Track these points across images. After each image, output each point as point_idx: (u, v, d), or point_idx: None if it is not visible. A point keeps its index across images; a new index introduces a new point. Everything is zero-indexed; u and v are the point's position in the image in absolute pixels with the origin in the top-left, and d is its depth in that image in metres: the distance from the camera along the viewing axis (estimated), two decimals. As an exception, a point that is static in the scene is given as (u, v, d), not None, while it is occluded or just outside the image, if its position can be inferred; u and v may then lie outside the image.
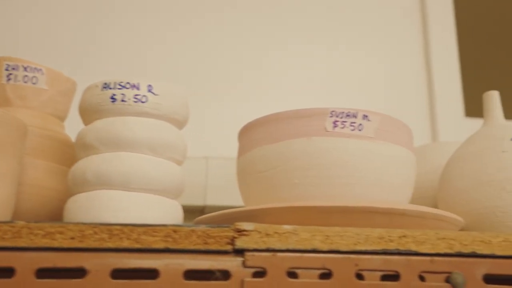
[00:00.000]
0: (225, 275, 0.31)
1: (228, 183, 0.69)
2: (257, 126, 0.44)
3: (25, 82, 0.46)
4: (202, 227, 0.32)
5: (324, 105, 0.44)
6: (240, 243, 0.32)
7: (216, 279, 0.31)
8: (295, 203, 0.36)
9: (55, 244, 0.30)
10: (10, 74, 0.46)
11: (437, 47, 0.92)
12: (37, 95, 0.46)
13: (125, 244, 0.31)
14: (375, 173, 0.41)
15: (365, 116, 0.41)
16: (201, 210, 0.72)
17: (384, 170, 0.41)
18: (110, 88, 0.40)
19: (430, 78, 0.90)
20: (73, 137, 0.45)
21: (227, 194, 0.69)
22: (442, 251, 0.33)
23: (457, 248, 0.33)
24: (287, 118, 0.42)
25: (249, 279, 0.31)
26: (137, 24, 0.84)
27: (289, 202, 0.38)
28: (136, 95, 0.39)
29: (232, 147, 0.52)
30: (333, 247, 0.33)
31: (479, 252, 0.34)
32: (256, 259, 0.32)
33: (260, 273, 0.32)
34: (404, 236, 0.33)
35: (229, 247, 0.32)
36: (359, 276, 0.32)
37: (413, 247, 0.33)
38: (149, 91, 0.40)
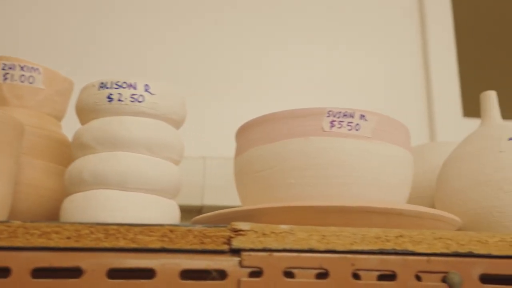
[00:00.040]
0: (221, 275, 0.31)
1: (225, 183, 0.69)
2: (254, 126, 0.44)
3: (22, 81, 0.46)
4: (199, 227, 0.32)
5: (323, 105, 0.44)
6: (236, 243, 0.32)
7: (213, 279, 0.31)
8: (292, 203, 0.36)
9: (51, 243, 0.30)
10: (7, 73, 0.45)
11: (435, 47, 0.92)
12: (34, 95, 0.46)
13: (122, 244, 0.31)
14: (372, 173, 0.41)
15: (362, 116, 0.41)
16: (199, 210, 0.72)
17: (381, 170, 0.41)
18: (107, 88, 0.40)
19: (429, 78, 0.90)
20: (70, 137, 0.45)
21: (224, 194, 0.69)
22: (438, 251, 0.33)
23: (454, 248, 0.34)
24: (284, 118, 0.42)
25: (245, 279, 0.31)
26: (137, 24, 0.84)
27: (286, 202, 0.38)
28: (133, 94, 0.39)
29: (230, 147, 0.52)
30: (330, 247, 0.32)
31: (475, 252, 0.34)
32: (253, 259, 0.32)
33: (256, 273, 0.32)
34: (400, 236, 0.33)
35: (225, 247, 0.32)
36: (356, 276, 0.32)
37: (410, 247, 0.33)
38: (146, 90, 0.40)
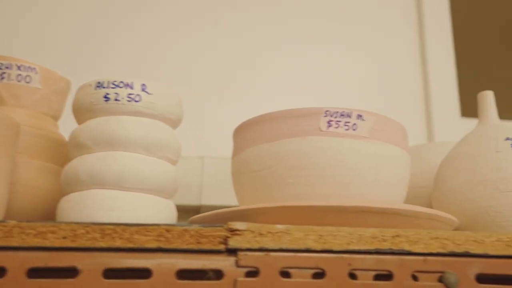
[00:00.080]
0: (217, 274, 0.31)
1: (223, 182, 0.69)
2: (251, 125, 0.44)
3: (19, 81, 0.45)
4: (195, 227, 0.32)
5: (320, 104, 0.44)
6: (233, 243, 0.32)
7: (209, 278, 0.31)
8: (289, 203, 0.36)
9: (47, 243, 0.30)
10: (4, 73, 0.45)
11: (433, 47, 0.92)
12: (30, 94, 0.46)
13: (118, 243, 0.31)
14: (370, 172, 0.41)
15: (359, 116, 0.41)
16: (197, 209, 0.72)
17: (378, 170, 0.41)
18: (104, 87, 0.39)
19: (426, 78, 0.90)
20: (67, 137, 0.45)
21: (222, 194, 0.69)
22: (435, 251, 0.33)
23: (450, 248, 0.34)
24: (282, 117, 0.42)
25: (242, 278, 0.31)
26: (134, 24, 0.84)
27: (283, 201, 0.38)
28: (130, 94, 0.39)
29: (228, 147, 0.52)
30: (326, 246, 0.32)
31: (472, 251, 0.34)
32: (249, 259, 0.32)
33: (253, 273, 0.31)
34: (397, 236, 0.33)
35: (222, 247, 0.32)
36: (352, 276, 0.32)
37: (406, 247, 0.33)
38: (143, 90, 0.40)
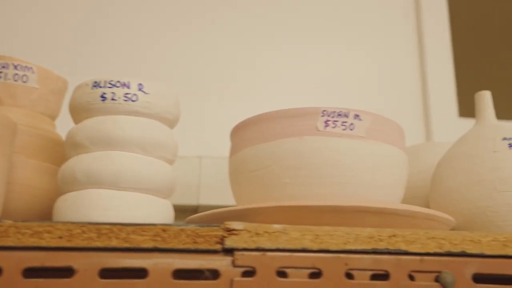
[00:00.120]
0: (214, 274, 0.31)
1: (221, 182, 0.69)
2: (249, 125, 0.44)
3: (16, 80, 0.45)
4: (192, 226, 0.32)
5: (318, 104, 0.44)
6: (229, 243, 0.32)
7: (205, 278, 0.31)
8: (286, 203, 0.36)
9: (43, 243, 0.30)
10: (0, 72, 0.45)
11: (431, 47, 0.92)
12: (27, 94, 0.46)
13: (114, 243, 0.31)
14: (367, 172, 0.41)
15: (356, 116, 0.41)
16: (195, 209, 0.72)
17: (375, 170, 0.41)
18: (100, 87, 0.39)
19: (425, 78, 0.90)
20: (64, 136, 0.45)
21: (220, 194, 0.69)
22: (431, 251, 0.33)
23: (447, 248, 0.34)
24: (279, 117, 0.42)
25: (238, 278, 0.31)
26: (134, 24, 0.84)
27: (280, 201, 0.38)
28: (127, 93, 0.39)
29: (226, 147, 0.52)
30: (323, 246, 0.32)
31: (468, 251, 0.34)
32: (246, 259, 0.32)
33: (249, 273, 0.31)
34: (394, 236, 0.33)
35: (218, 247, 0.32)
36: (349, 276, 0.32)
37: (403, 247, 0.33)
38: (140, 90, 0.40)
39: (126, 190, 0.38)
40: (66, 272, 0.30)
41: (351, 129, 0.41)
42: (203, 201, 0.71)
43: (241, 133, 0.45)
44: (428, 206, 0.51)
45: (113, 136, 0.39)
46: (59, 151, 0.47)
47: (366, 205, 0.36)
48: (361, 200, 0.40)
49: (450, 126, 0.87)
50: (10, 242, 0.30)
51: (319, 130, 0.41)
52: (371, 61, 0.90)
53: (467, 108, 0.89)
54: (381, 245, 0.33)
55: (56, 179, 0.41)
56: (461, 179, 0.45)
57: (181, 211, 0.66)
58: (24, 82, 0.46)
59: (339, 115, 0.41)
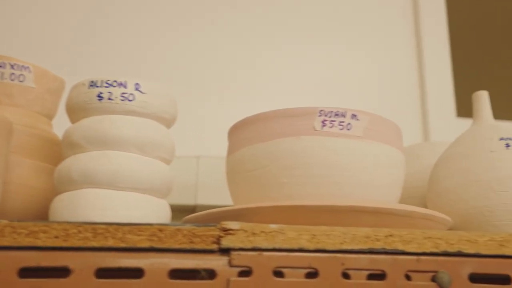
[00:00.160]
0: (210, 274, 0.31)
1: (219, 182, 0.69)
2: (246, 125, 0.44)
3: (12, 80, 0.45)
4: (188, 226, 0.32)
5: (317, 104, 0.44)
6: (226, 242, 0.32)
7: (202, 278, 0.31)
8: (283, 202, 0.36)
9: (39, 243, 0.30)
10: (-3, 71, 0.45)
11: (429, 47, 0.92)
12: (24, 93, 0.46)
13: (110, 243, 0.31)
14: (364, 172, 0.41)
15: (353, 116, 0.41)
16: (192, 209, 0.72)
17: (372, 170, 0.41)
18: (97, 86, 0.39)
19: (423, 78, 0.90)
20: (61, 136, 0.45)
21: (218, 193, 0.69)
22: (428, 250, 0.33)
23: (443, 247, 0.34)
24: (276, 117, 0.42)
25: (235, 278, 0.31)
26: (134, 24, 0.84)
27: (277, 201, 0.38)
28: (123, 93, 0.39)
29: (224, 147, 0.52)
30: (320, 246, 0.32)
31: (465, 251, 0.34)
32: (242, 258, 0.32)
33: (246, 272, 0.31)
34: (390, 235, 0.33)
35: (215, 246, 0.32)
36: (346, 275, 0.32)
37: (400, 246, 0.33)
38: (137, 89, 0.40)
39: (122, 189, 0.38)
40: (62, 272, 0.30)
41: (348, 129, 0.41)
42: (201, 201, 0.71)
43: (238, 132, 0.45)
44: (425, 206, 0.51)
45: (109, 135, 0.39)
46: (56, 151, 0.46)
47: (363, 205, 0.36)
48: (358, 200, 0.40)
49: (448, 126, 0.87)
50: (5, 242, 0.30)
51: (316, 130, 0.41)
52: (369, 61, 0.90)
53: (465, 108, 0.89)
54: (378, 245, 0.33)
55: (52, 179, 0.41)
56: (458, 179, 0.45)
57: (179, 211, 0.66)
58: (21, 81, 0.46)
59: (336, 115, 0.41)
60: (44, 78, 0.47)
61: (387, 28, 0.93)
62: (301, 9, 0.90)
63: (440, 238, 0.34)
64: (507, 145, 0.44)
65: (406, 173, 0.49)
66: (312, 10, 0.91)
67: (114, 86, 0.39)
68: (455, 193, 0.44)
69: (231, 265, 0.31)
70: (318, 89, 0.86)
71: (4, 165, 0.39)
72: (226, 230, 0.32)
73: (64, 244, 0.30)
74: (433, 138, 0.85)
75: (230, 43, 0.85)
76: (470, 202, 0.43)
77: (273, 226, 0.33)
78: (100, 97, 0.39)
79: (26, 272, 0.30)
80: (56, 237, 0.30)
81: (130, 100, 0.39)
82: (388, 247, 0.33)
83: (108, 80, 0.39)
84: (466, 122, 0.85)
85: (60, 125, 0.49)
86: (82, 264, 0.30)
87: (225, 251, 0.32)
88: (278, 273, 0.32)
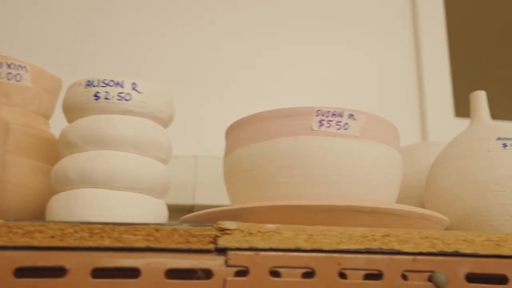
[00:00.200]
0: (207, 274, 0.31)
1: (217, 182, 0.69)
2: (243, 124, 0.44)
3: (9, 79, 0.45)
4: (185, 226, 0.32)
5: (315, 104, 0.44)
6: (222, 242, 0.32)
7: (198, 278, 0.31)
8: (280, 202, 0.36)
9: (35, 243, 0.30)
10: (-6, 71, 0.45)
11: (428, 47, 0.92)
12: (21, 93, 0.46)
13: (106, 243, 0.31)
14: (361, 172, 0.41)
15: (351, 115, 0.41)
16: (190, 209, 0.71)
17: (370, 169, 0.41)
18: (94, 86, 0.39)
19: (421, 78, 0.90)
20: (58, 135, 0.45)
21: (216, 193, 0.69)
22: (425, 250, 0.33)
23: (440, 247, 0.34)
24: (273, 117, 0.42)
25: (231, 278, 0.31)
26: (134, 24, 0.84)
27: (274, 201, 0.38)
28: (120, 93, 0.39)
29: (222, 146, 0.52)
30: (316, 246, 0.32)
31: (461, 251, 0.34)
32: (239, 258, 0.32)
33: (242, 272, 0.31)
34: (387, 235, 0.33)
35: (211, 246, 0.32)
36: (342, 275, 0.32)
37: (396, 246, 0.33)
38: (133, 89, 0.40)
39: (119, 189, 0.38)
40: (58, 271, 0.30)
41: (345, 129, 0.41)
42: (199, 200, 0.71)
43: (235, 132, 0.45)
44: (422, 206, 0.51)
45: (106, 135, 0.39)
46: (53, 150, 0.46)
47: (360, 204, 0.36)
48: (355, 199, 0.40)
49: (446, 126, 0.87)
50: (1, 242, 0.30)
51: (313, 130, 0.41)
52: (368, 61, 0.90)
53: (463, 108, 0.89)
54: (375, 245, 0.33)
55: (49, 178, 0.41)
56: (455, 179, 0.45)
57: (177, 211, 0.66)
58: (18, 81, 0.45)
59: (334, 114, 0.41)
60: (41, 78, 0.47)
61: (386, 29, 0.93)
62: (301, 9, 0.90)
63: (437, 238, 0.34)
64: (504, 145, 0.44)
65: (404, 173, 0.49)
66: (312, 10, 0.91)
67: (111, 86, 0.39)
68: (453, 193, 0.44)
69: (227, 265, 0.31)
70: (317, 89, 0.86)
71: (1, 165, 0.39)
72: (222, 230, 0.32)
73: (60, 244, 0.30)
74: (432, 138, 0.85)
75: (230, 43, 0.85)
76: (467, 202, 0.43)
77: (270, 226, 0.33)
78: (97, 96, 0.39)
79: (22, 272, 0.30)
80: (52, 237, 0.30)
81: (127, 100, 0.39)
82: (384, 247, 0.33)
83: (105, 80, 0.39)
84: (464, 122, 0.85)
85: (57, 124, 0.49)
86: (78, 264, 0.30)
87: (222, 251, 0.32)
88: (275, 273, 0.32)
